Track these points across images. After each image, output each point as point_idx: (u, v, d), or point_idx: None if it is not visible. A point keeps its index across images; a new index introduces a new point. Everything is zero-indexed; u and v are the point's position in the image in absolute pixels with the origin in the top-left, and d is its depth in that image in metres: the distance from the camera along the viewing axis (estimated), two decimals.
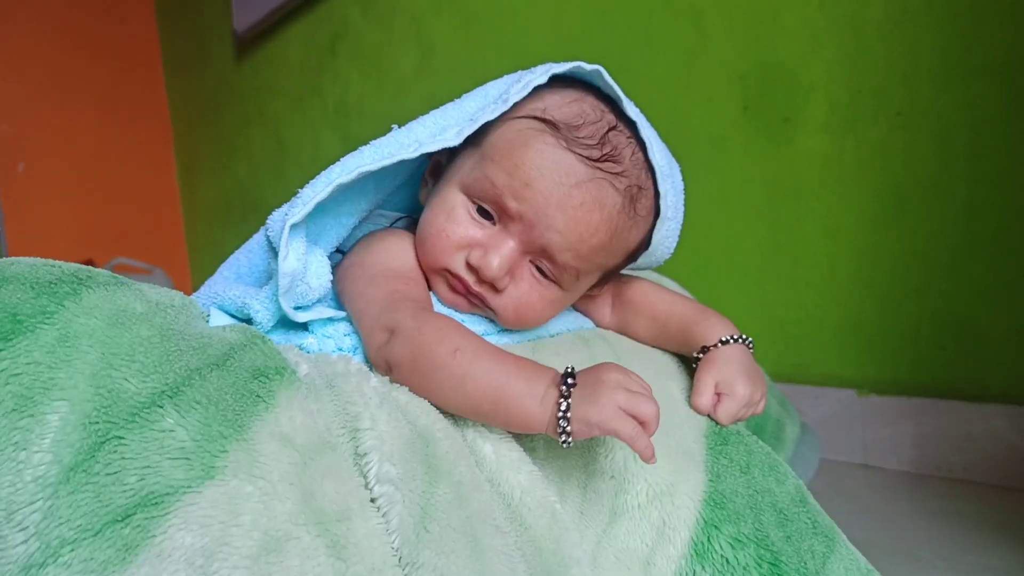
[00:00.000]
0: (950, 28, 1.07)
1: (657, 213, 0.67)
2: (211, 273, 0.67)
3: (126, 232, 3.22)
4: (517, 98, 0.62)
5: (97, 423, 0.38)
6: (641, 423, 0.46)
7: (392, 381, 0.52)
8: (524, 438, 0.49)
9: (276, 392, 0.43)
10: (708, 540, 0.46)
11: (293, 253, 0.56)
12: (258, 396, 0.42)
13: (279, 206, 0.59)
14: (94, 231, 3.15)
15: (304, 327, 0.58)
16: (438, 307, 0.64)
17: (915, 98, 1.12)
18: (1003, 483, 1.06)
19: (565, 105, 0.64)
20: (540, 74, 0.63)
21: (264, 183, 2.75)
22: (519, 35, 1.70)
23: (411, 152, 0.60)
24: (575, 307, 0.74)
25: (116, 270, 2.99)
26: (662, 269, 1.08)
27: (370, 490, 0.40)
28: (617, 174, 0.63)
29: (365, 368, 0.50)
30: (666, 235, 0.69)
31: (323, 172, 0.59)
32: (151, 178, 3.34)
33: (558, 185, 0.60)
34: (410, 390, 0.51)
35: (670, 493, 0.47)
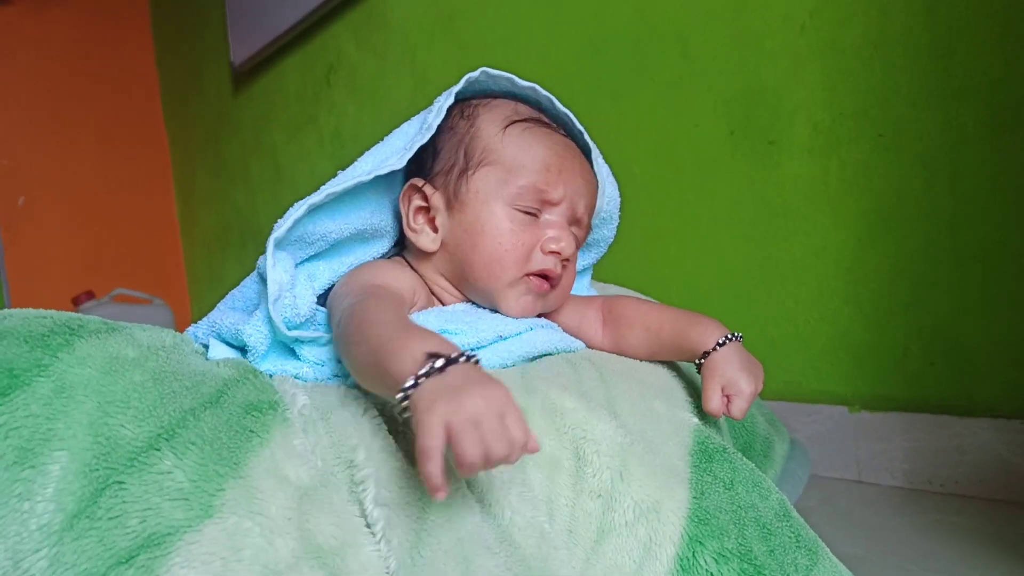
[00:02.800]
0: (928, 50, 1.10)
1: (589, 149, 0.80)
2: (211, 302, 0.72)
3: (126, 262, 3.24)
4: (436, 121, 0.73)
5: (97, 470, 0.40)
6: (457, 459, 0.41)
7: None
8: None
9: (270, 427, 0.44)
10: (693, 555, 0.48)
11: (280, 265, 0.61)
12: (252, 432, 0.43)
13: None
14: (94, 262, 3.17)
15: (298, 357, 0.60)
16: (453, 309, 0.71)
17: (896, 119, 1.15)
18: (993, 496, 1.08)
19: (517, 109, 0.77)
20: (446, 97, 0.74)
21: (262, 211, 2.78)
22: (510, 65, 1.71)
23: (366, 176, 0.68)
24: (567, 330, 0.77)
25: (116, 300, 3.01)
26: (653, 290, 1.11)
27: (366, 516, 0.42)
28: (573, 138, 0.79)
29: (361, 395, 0.52)
30: (606, 171, 0.81)
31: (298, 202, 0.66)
32: (151, 208, 3.36)
33: (573, 161, 0.75)
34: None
35: (656, 510, 0.49)
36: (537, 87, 0.78)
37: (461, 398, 0.42)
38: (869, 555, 0.95)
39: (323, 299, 0.71)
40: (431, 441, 0.40)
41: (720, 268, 1.40)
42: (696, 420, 0.58)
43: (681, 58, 1.41)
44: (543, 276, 0.73)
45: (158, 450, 0.41)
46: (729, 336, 0.69)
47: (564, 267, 0.74)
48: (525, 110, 0.78)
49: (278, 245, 0.64)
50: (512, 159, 0.73)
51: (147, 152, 3.37)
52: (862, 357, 1.22)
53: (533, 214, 0.73)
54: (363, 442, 0.45)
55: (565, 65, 1.61)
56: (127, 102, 3.33)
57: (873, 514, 1.10)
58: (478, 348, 0.65)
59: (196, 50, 3.10)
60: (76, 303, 3.00)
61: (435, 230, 0.75)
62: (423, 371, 0.44)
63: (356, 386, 0.57)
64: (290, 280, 0.61)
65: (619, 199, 0.84)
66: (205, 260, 3.23)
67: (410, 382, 0.43)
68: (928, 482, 1.15)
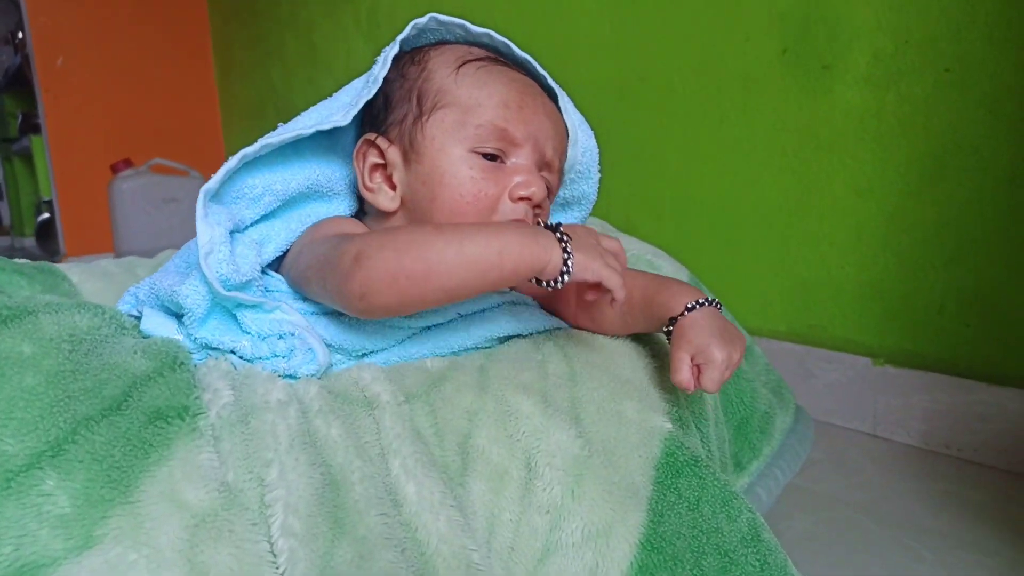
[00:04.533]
0: None
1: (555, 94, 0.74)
2: None
3: (164, 132, 3.22)
4: (383, 73, 0.66)
5: None
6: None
7: (366, 307, 0.53)
8: (454, 474, 0.46)
9: (172, 440, 0.41)
10: None
11: (214, 217, 0.56)
12: (151, 446, 0.40)
13: None
14: (132, 130, 3.15)
15: (241, 328, 0.56)
16: None
17: (966, 54, 1.02)
18: (1012, 468, 1.03)
19: (470, 50, 0.71)
20: (391, 47, 0.68)
21: (297, 89, 2.71)
22: None
23: (307, 130, 0.63)
24: (541, 302, 0.71)
25: (154, 170, 3.02)
26: (679, 234, 1.04)
27: (272, 544, 0.39)
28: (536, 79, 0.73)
29: (287, 396, 0.48)
30: (577, 118, 0.74)
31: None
32: (190, 78, 3.31)
33: (536, 99, 0.69)
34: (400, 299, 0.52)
35: (606, 534, 0.45)
36: (492, 33, 0.71)
37: (587, 243, 0.55)
38: (867, 519, 0.92)
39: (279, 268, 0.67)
40: (612, 274, 0.54)
41: (755, 198, 1.31)
42: (669, 426, 0.53)
43: None
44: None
45: (40, 469, 0.37)
46: (702, 300, 0.61)
47: (537, 217, 0.67)
48: (480, 51, 0.71)
49: (215, 199, 0.59)
50: (468, 98, 0.67)
51: (186, 18, 3.28)
52: (894, 309, 1.15)
53: (497, 158, 0.67)
54: (278, 456, 0.42)
55: None
56: None
57: (883, 472, 1.07)
58: (432, 327, 0.61)
59: None
60: (115, 170, 3.01)
61: (393, 187, 0.69)
62: (568, 251, 0.53)
63: (289, 376, 0.54)
64: (224, 234, 0.56)
65: (597, 150, 0.75)
66: (241, 134, 3.19)
67: (568, 264, 0.53)
68: (945, 446, 1.10)
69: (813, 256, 1.24)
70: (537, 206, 0.67)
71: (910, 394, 1.13)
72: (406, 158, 0.68)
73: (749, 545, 0.49)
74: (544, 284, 0.54)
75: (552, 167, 0.70)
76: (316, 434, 0.45)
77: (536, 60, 0.73)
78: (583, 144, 0.74)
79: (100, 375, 0.42)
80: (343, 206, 0.72)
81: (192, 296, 0.54)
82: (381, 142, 0.69)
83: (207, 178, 0.60)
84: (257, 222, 0.64)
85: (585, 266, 0.53)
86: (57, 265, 0.77)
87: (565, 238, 0.53)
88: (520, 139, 0.66)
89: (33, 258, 0.79)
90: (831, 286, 1.22)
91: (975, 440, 1.06)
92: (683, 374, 0.57)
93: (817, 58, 1.19)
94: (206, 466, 0.40)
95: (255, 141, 0.61)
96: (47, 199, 3.69)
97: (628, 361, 0.60)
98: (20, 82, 4.11)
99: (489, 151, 0.66)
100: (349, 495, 0.42)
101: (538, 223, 0.65)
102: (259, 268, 0.59)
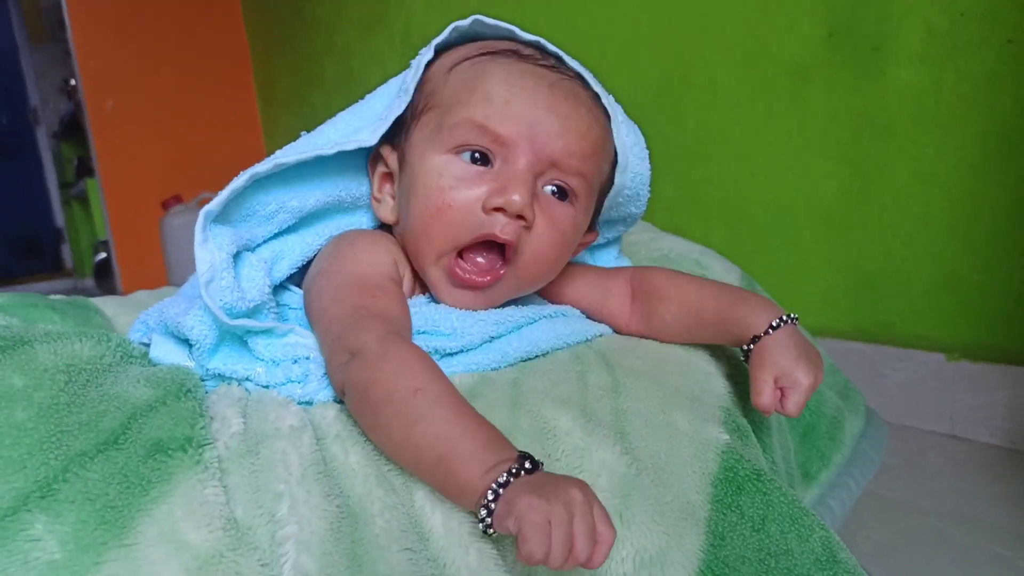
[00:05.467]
0: None
1: (607, 115, 0.63)
2: None
3: (211, 165, 3.26)
4: (415, 82, 0.60)
5: None
6: (568, 554, 0.37)
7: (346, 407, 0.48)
8: None
9: (173, 475, 0.37)
10: None
11: (215, 241, 0.52)
12: (149, 482, 0.36)
13: None
14: (181, 166, 3.21)
15: (253, 354, 0.53)
16: (439, 307, 0.58)
17: None
18: None
19: (488, 44, 0.62)
20: (426, 52, 0.61)
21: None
22: None
23: (329, 150, 0.57)
24: (590, 312, 0.67)
25: (202, 204, 3.06)
26: (730, 232, 0.99)
27: None
28: (573, 76, 0.61)
29: (300, 422, 0.45)
30: (631, 143, 0.64)
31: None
32: (234, 111, 3.36)
33: (537, 90, 0.58)
34: (357, 422, 0.46)
35: (660, 561, 0.41)
36: (543, 42, 0.62)
37: (553, 492, 0.38)
38: (956, 531, 0.85)
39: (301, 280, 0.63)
40: (537, 538, 0.36)
41: (810, 191, 1.25)
42: (726, 437, 0.48)
43: None
44: (483, 252, 0.58)
45: (28, 511, 0.34)
46: (784, 318, 0.56)
47: (526, 229, 0.57)
48: (501, 44, 0.61)
49: (220, 220, 0.54)
50: (451, 96, 0.59)
51: (228, 54, 3.34)
52: (967, 301, 1.07)
53: (487, 161, 0.58)
54: (290, 489, 0.38)
55: None
56: (207, 2, 3.29)
57: (967, 476, 0.99)
58: (464, 352, 0.56)
59: None
60: (165, 207, 3.06)
61: (394, 197, 0.64)
62: (500, 483, 0.40)
63: (306, 403, 0.50)
64: (226, 259, 0.51)
65: (649, 173, 0.67)
66: None
67: (489, 500, 0.39)
68: None
69: (877, 249, 1.17)
70: (521, 217, 0.56)
71: (990, 390, 1.05)
72: (400, 167, 0.62)
73: (824, 568, 0.43)
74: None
75: (564, 167, 0.59)
76: (332, 462, 0.41)
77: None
78: (634, 169, 0.65)
79: (98, 407, 0.40)
80: (365, 218, 0.67)
81: (197, 327, 0.51)
82: (385, 150, 0.64)
83: None
84: (269, 239, 0.60)
85: (511, 510, 0.38)
86: (91, 299, 0.76)
87: (515, 474, 0.40)
88: (505, 136, 0.56)
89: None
90: (898, 280, 1.15)
91: None
92: (766, 397, 0.53)
93: (866, 40, 1.13)
94: (211, 502, 0.37)
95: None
96: (103, 239, 3.78)
97: (677, 367, 0.55)
98: (75, 129, 4.24)
99: (472, 152, 0.57)
100: (368, 529, 0.38)
101: (511, 246, 0.57)
102: (269, 289, 0.55)
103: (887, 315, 1.18)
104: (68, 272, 5.49)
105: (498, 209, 0.56)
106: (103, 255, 3.84)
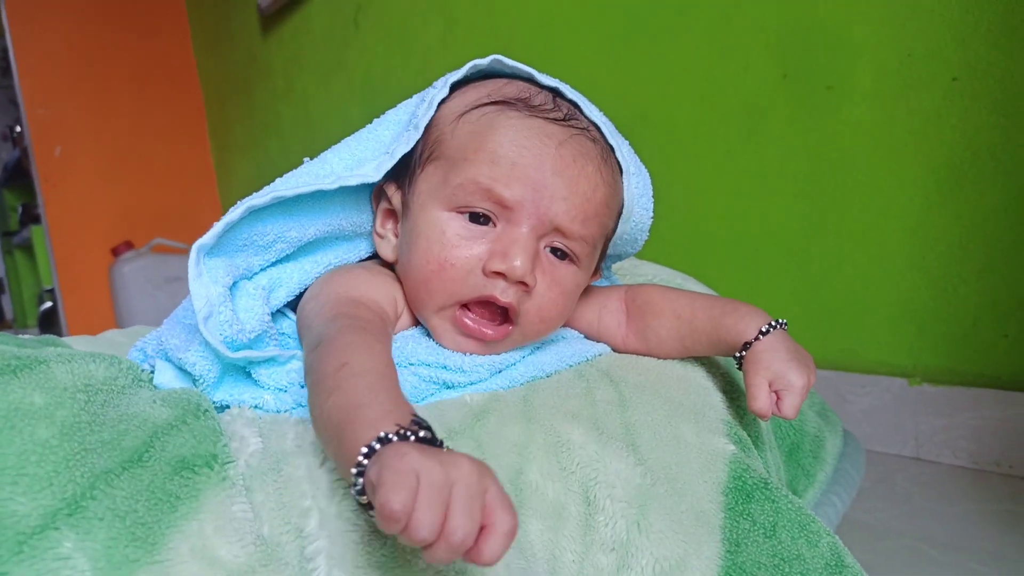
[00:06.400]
0: None
1: (619, 167, 0.64)
2: None
3: (164, 212, 3.22)
4: (426, 119, 0.59)
5: None
6: (440, 534, 0.32)
7: None
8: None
9: (201, 491, 0.37)
10: None
11: (210, 275, 0.51)
12: (178, 499, 0.36)
13: None
14: (132, 212, 3.16)
15: (256, 382, 0.52)
16: (439, 352, 0.59)
17: (972, 62, 1.01)
18: None
19: (500, 89, 0.61)
20: (440, 87, 0.61)
21: (295, 159, 2.69)
22: (542, 1, 1.61)
23: (330, 184, 0.56)
24: (585, 330, 0.68)
25: (155, 250, 3.01)
26: (692, 268, 1.01)
27: None
28: (584, 129, 0.61)
29: None
30: (639, 193, 0.65)
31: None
32: (187, 157, 3.33)
33: (544, 151, 0.57)
34: None
35: (680, 568, 0.41)
36: (562, 87, 0.62)
37: (439, 469, 0.33)
38: (931, 550, 0.87)
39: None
40: (397, 503, 0.31)
41: (770, 226, 1.29)
42: (732, 448, 0.49)
43: None
44: (488, 308, 0.58)
45: (56, 530, 0.33)
46: (773, 323, 0.58)
47: (526, 293, 0.57)
48: (513, 90, 0.61)
49: (214, 251, 0.53)
50: (457, 150, 0.58)
51: (181, 100, 3.32)
52: (926, 326, 1.11)
53: (489, 220, 0.58)
54: (318, 504, 0.38)
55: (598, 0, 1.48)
56: (159, 50, 3.27)
57: (935, 497, 1.01)
58: (470, 385, 0.56)
59: None
60: (116, 253, 3.00)
61: (397, 236, 0.64)
62: (375, 448, 0.35)
63: None
64: (222, 293, 0.51)
65: (651, 220, 0.68)
66: None
67: (361, 462, 0.35)
68: (996, 463, 1.05)
69: (836, 280, 1.21)
70: (522, 283, 0.56)
71: (953, 413, 1.09)
72: (403, 210, 0.62)
73: (834, 571, 0.44)
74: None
75: (567, 233, 0.58)
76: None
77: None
78: (637, 218, 0.66)
79: (119, 426, 0.39)
80: (364, 245, 0.67)
81: (200, 363, 0.50)
82: (389, 188, 0.63)
83: None
84: (266, 267, 0.60)
85: (380, 472, 0.33)
86: (64, 338, 0.74)
87: (398, 438, 0.36)
88: (510, 200, 0.56)
89: None
90: (858, 308, 1.19)
91: None
92: (762, 401, 0.54)
93: (819, 79, 1.18)
94: (240, 518, 0.37)
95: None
96: (49, 288, 3.68)
97: (677, 383, 0.56)
98: (19, 175, 4.14)
99: (475, 212, 0.57)
100: (399, 542, 0.38)
101: (512, 310, 0.57)
102: (268, 318, 0.55)
103: (849, 343, 1.21)
104: (8, 324, 5.32)
105: (498, 273, 0.56)
106: (48, 304, 3.73)
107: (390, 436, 0.36)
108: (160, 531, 0.35)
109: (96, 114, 3.12)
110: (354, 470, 0.35)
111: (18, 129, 3.88)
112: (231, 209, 0.55)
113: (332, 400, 0.40)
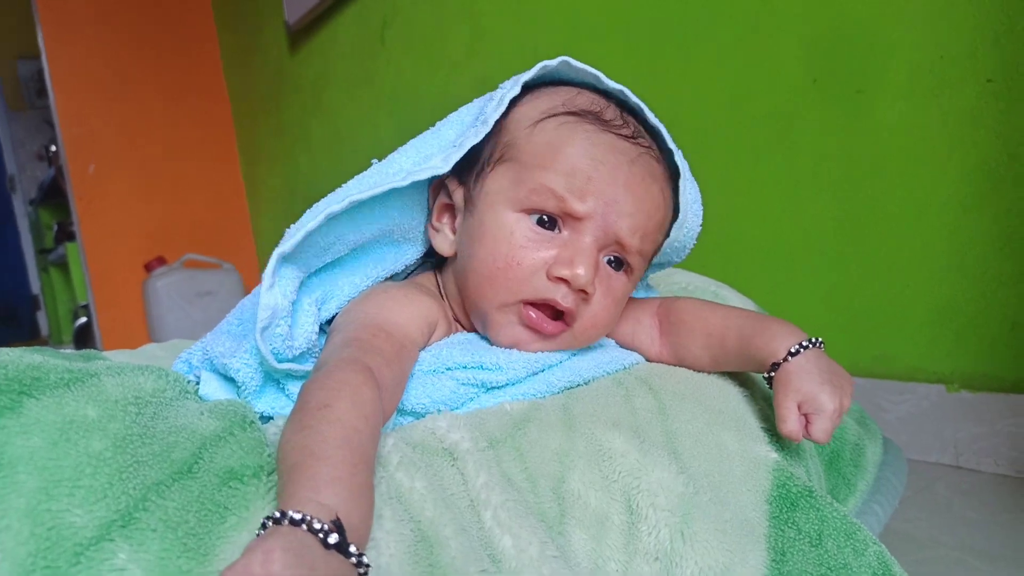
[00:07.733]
0: None
1: (675, 172, 0.66)
2: None
3: (195, 227, 3.27)
4: (496, 115, 0.60)
5: (34, 572, 0.32)
6: None
7: None
8: (552, 522, 0.42)
9: (251, 501, 0.37)
10: None
11: (280, 286, 0.52)
12: (227, 509, 0.36)
13: None
14: (164, 228, 3.21)
15: (290, 397, 0.53)
16: (481, 342, 0.59)
17: (1008, 62, 1.00)
18: None
19: (573, 99, 0.63)
20: (512, 86, 0.62)
21: (324, 174, 2.74)
22: (572, 8, 1.61)
23: (401, 181, 0.57)
24: (620, 342, 0.68)
25: (187, 265, 3.05)
26: (725, 274, 1.01)
27: None
28: (649, 147, 0.63)
29: None
30: (692, 199, 0.67)
31: (315, 204, 0.56)
32: (217, 173, 3.38)
33: (618, 168, 0.60)
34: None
35: None
36: (627, 91, 0.63)
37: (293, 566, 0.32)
38: (978, 561, 0.85)
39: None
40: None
41: (804, 231, 1.28)
42: (775, 455, 0.49)
43: None
44: (547, 308, 0.60)
45: (111, 541, 0.34)
46: (805, 343, 0.57)
47: (585, 301, 0.60)
48: (584, 101, 0.62)
49: (287, 259, 0.54)
50: (533, 156, 0.60)
51: (212, 117, 3.38)
52: (965, 331, 1.10)
53: (552, 227, 0.60)
54: None
55: (626, 7, 1.48)
56: (189, 67, 3.33)
57: (977, 507, 0.99)
58: (510, 384, 0.56)
59: (254, 10, 3.05)
60: (148, 269, 3.05)
61: (454, 231, 0.65)
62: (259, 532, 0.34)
63: None
64: (288, 306, 0.52)
65: (699, 230, 0.69)
66: (271, 224, 3.23)
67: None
68: None
69: (873, 284, 1.20)
70: (583, 291, 0.59)
71: (992, 420, 1.07)
72: (466, 206, 0.64)
73: None
74: None
75: (627, 248, 0.61)
76: (399, 488, 0.41)
77: None
78: (689, 227, 0.67)
79: (168, 438, 0.40)
80: (412, 251, 0.67)
81: (244, 370, 0.51)
82: (451, 183, 0.65)
83: (240, 269, 0.55)
84: (322, 270, 0.60)
85: (258, 547, 0.32)
86: (104, 352, 0.76)
87: (273, 522, 0.35)
88: (582, 213, 0.59)
89: None
90: (895, 313, 1.17)
91: None
92: (790, 424, 0.54)
93: (850, 83, 1.17)
94: None
95: (284, 229, 0.53)
96: (83, 304, 3.75)
97: (717, 390, 0.56)
98: (55, 194, 4.23)
99: (544, 216, 0.60)
100: (445, 552, 0.38)
101: (572, 314, 0.59)
102: (316, 337, 0.56)
103: (885, 349, 1.20)
104: (43, 340, 5.41)
105: (561, 279, 0.58)
106: (83, 320, 3.80)
107: (307, 522, 0.35)
108: (211, 542, 0.35)
109: (128, 132, 3.18)
110: (277, 514, 0.35)
111: (53, 148, 3.97)
112: (307, 214, 0.56)
113: (298, 437, 0.40)
